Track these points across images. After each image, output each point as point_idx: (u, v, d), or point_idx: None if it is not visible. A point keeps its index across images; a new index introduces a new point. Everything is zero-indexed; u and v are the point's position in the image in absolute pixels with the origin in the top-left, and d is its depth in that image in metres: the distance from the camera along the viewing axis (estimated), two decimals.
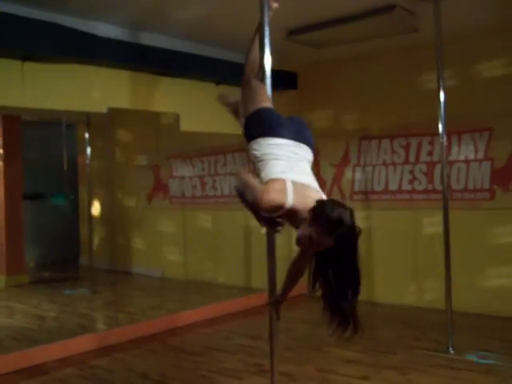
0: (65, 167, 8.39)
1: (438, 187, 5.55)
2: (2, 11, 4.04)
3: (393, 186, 6.17)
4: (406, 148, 6.06)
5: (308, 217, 2.11)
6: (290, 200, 2.17)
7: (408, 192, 6.06)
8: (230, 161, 7.43)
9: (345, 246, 2.05)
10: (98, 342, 4.83)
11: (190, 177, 7.97)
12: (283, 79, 6.41)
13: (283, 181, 2.22)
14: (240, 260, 7.23)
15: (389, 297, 6.10)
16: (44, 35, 4.27)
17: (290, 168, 2.30)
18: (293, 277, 2.54)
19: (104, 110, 4.93)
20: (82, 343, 4.75)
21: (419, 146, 5.96)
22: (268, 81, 2.80)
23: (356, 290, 2.08)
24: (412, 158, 6.02)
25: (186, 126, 5.59)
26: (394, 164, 6.16)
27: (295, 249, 2.32)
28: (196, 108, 5.57)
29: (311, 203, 2.16)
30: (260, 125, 2.43)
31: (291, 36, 5.39)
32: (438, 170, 5.66)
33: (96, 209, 9.11)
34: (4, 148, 7.86)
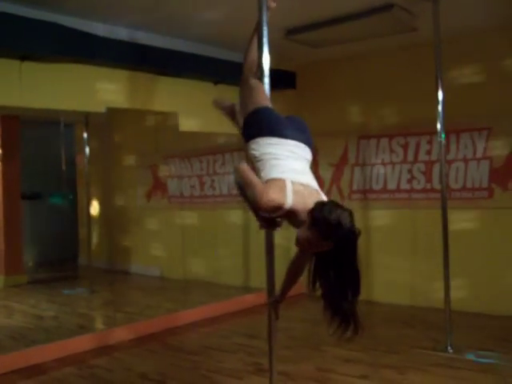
0: (63, 167, 8.38)
1: (437, 186, 5.55)
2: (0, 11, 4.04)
3: (391, 185, 6.18)
4: (405, 147, 6.07)
5: (307, 219, 2.11)
6: (289, 200, 2.17)
7: (406, 191, 6.06)
8: (228, 160, 7.43)
9: (344, 248, 2.06)
10: (97, 341, 4.83)
11: (189, 176, 7.97)
12: (282, 79, 6.41)
13: (283, 181, 2.21)
14: (239, 259, 7.24)
15: (388, 296, 6.10)
16: (43, 35, 4.26)
17: (289, 168, 2.30)
18: (292, 276, 2.54)
19: (103, 109, 4.93)
20: (81, 343, 4.75)
21: (418, 145, 5.96)
22: (266, 80, 2.80)
23: (356, 291, 2.09)
24: (410, 157, 6.03)
25: (184, 125, 5.59)
26: (392, 163, 6.17)
27: (294, 248, 2.32)
28: (195, 108, 5.57)
29: (311, 204, 2.16)
30: (259, 124, 2.42)
31: (290, 35, 5.39)
32: (436, 169, 5.67)
33: (94, 208, 9.11)
34: (2, 148, 7.85)
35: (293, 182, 2.22)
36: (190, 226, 7.90)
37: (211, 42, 5.63)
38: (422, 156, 5.93)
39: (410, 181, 6.04)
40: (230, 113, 2.70)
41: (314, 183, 2.34)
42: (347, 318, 2.08)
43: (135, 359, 4.52)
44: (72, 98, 4.72)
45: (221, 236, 7.50)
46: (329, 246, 2.05)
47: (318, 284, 2.12)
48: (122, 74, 5.04)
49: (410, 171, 6.03)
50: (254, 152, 2.38)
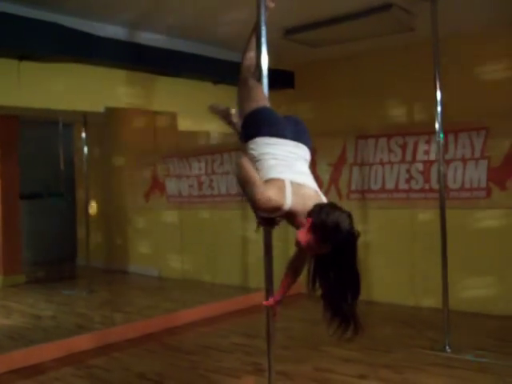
0: (62, 167, 8.38)
1: (435, 186, 5.55)
2: None
3: (390, 185, 6.18)
4: (403, 147, 6.07)
5: (306, 223, 2.11)
6: (288, 201, 2.17)
7: (405, 191, 6.07)
8: (226, 160, 7.43)
9: (343, 251, 2.06)
10: (95, 341, 4.83)
11: (187, 176, 7.97)
12: (280, 78, 6.41)
13: (282, 181, 2.21)
14: (237, 259, 7.24)
15: (386, 296, 6.10)
16: (41, 34, 4.26)
17: (288, 168, 2.29)
18: (291, 276, 2.54)
19: (101, 109, 4.93)
20: (79, 343, 4.75)
21: (416, 144, 5.97)
22: (265, 80, 2.79)
23: (356, 293, 2.09)
24: (409, 157, 6.03)
25: (183, 125, 5.59)
26: (390, 163, 6.17)
27: (292, 248, 2.32)
28: (193, 107, 5.56)
29: (310, 204, 2.16)
30: (257, 124, 2.42)
31: (288, 35, 5.39)
32: (434, 168, 5.67)
33: (93, 208, 9.10)
34: (1, 147, 7.84)
35: (292, 183, 2.22)
36: (189, 226, 7.90)
37: (210, 42, 5.63)
38: (421, 156, 5.94)
39: (408, 181, 6.04)
40: (226, 116, 2.70)
41: (313, 183, 2.34)
42: (347, 318, 2.08)
43: (133, 359, 4.52)
44: (70, 98, 4.72)
45: (219, 236, 7.49)
46: (328, 249, 2.05)
47: (317, 284, 2.12)
48: (120, 74, 5.04)
49: (408, 171, 6.04)
50: (252, 152, 2.37)
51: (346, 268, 2.07)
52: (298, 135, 2.42)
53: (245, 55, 2.82)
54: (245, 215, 6.91)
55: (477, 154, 5.55)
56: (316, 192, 2.30)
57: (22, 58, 4.32)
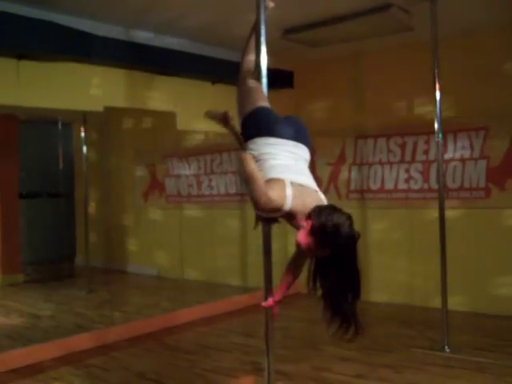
0: (61, 166, 8.37)
1: (434, 186, 5.56)
2: None
3: (389, 185, 6.18)
4: (402, 147, 6.07)
5: (305, 225, 2.11)
6: (288, 202, 2.17)
7: (404, 191, 6.07)
8: (225, 160, 7.42)
9: (344, 254, 2.06)
10: (94, 340, 4.83)
11: (186, 175, 7.96)
12: (279, 78, 6.41)
13: (282, 181, 2.21)
14: (236, 259, 7.23)
15: (385, 295, 6.11)
16: (40, 34, 4.25)
17: (288, 168, 2.29)
18: (291, 275, 2.53)
19: (100, 108, 4.92)
20: (78, 342, 4.75)
21: (415, 144, 5.97)
22: (264, 80, 2.79)
23: (357, 294, 2.09)
24: (408, 157, 6.03)
25: (182, 124, 5.59)
26: (389, 163, 6.17)
27: (291, 248, 2.32)
28: (192, 107, 5.56)
29: (310, 205, 2.16)
30: (257, 124, 2.42)
31: (287, 35, 5.39)
32: (433, 168, 5.68)
33: (92, 207, 9.08)
34: (0, 147, 7.83)
35: (292, 183, 2.22)
36: (188, 226, 7.89)
37: (209, 41, 5.63)
38: (420, 156, 5.94)
39: (407, 180, 6.04)
40: (224, 120, 2.69)
41: (313, 184, 2.34)
42: (348, 318, 2.08)
43: (132, 358, 4.52)
44: (69, 97, 4.72)
45: (218, 235, 7.49)
46: (328, 252, 2.05)
47: (317, 284, 2.12)
48: (119, 73, 5.04)
49: (407, 171, 6.04)
50: (252, 152, 2.37)
51: (347, 269, 2.07)
52: (297, 135, 2.42)
53: (244, 55, 2.82)
54: (244, 215, 6.91)
55: (476, 154, 5.55)
56: (316, 192, 2.30)
57: (21, 57, 4.31)
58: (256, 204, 2.18)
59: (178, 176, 8.06)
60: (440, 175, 4.47)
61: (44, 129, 9.00)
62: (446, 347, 4.33)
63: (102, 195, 9.15)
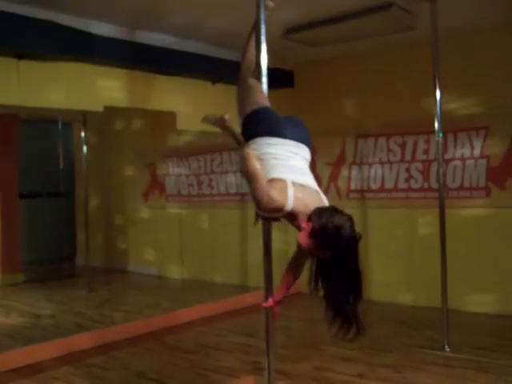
0: (61, 166, 8.37)
1: (434, 185, 5.56)
2: None
3: (389, 185, 6.18)
4: (402, 146, 6.07)
5: (306, 225, 2.11)
6: (290, 202, 2.17)
7: (404, 190, 6.07)
8: (226, 159, 7.42)
9: (345, 255, 2.06)
10: (95, 340, 4.82)
11: (187, 175, 7.96)
12: (279, 77, 6.40)
13: (284, 181, 2.21)
14: (236, 258, 7.23)
15: (385, 295, 6.10)
16: (40, 33, 4.25)
17: (289, 168, 2.29)
18: (291, 274, 2.53)
19: (100, 108, 4.92)
20: (79, 342, 4.75)
21: (415, 144, 5.97)
22: (264, 79, 2.79)
23: (358, 294, 2.09)
24: (408, 157, 6.03)
25: (183, 124, 5.58)
26: (390, 162, 6.17)
27: (292, 247, 2.32)
28: (193, 106, 5.56)
29: (311, 205, 2.16)
30: (258, 124, 2.41)
31: (288, 34, 5.39)
32: (433, 168, 5.67)
33: (92, 207, 9.08)
34: (0, 146, 7.83)
35: (294, 183, 2.22)
36: (188, 225, 7.90)
37: (209, 41, 5.63)
38: (420, 155, 5.94)
39: (407, 180, 6.04)
40: (221, 123, 2.69)
41: (313, 183, 2.34)
42: (349, 319, 2.08)
43: (133, 358, 4.52)
44: (70, 97, 4.71)
45: (219, 235, 7.49)
46: (328, 254, 2.06)
47: (319, 284, 2.12)
48: (119, 73, 5.04)
49: (407, 170, 6.04)
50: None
51: (348, 270, 2.07)
52: (298, 135, 2.42)
53: (244, 55, 2.82)
54: (244, 214, 6.91)
55: (476, 154, 5.55)
56: (317, 193, 2.30)
57: (21, 56, 4.31)
58: (258, 203, 2.18)
59: (178, 176, 8.06)
60: (440, 175, 4.47)
61: (44, 128, 8.99)
62: (447, 347, 4.33)
63: (102, 195, 9.16)
